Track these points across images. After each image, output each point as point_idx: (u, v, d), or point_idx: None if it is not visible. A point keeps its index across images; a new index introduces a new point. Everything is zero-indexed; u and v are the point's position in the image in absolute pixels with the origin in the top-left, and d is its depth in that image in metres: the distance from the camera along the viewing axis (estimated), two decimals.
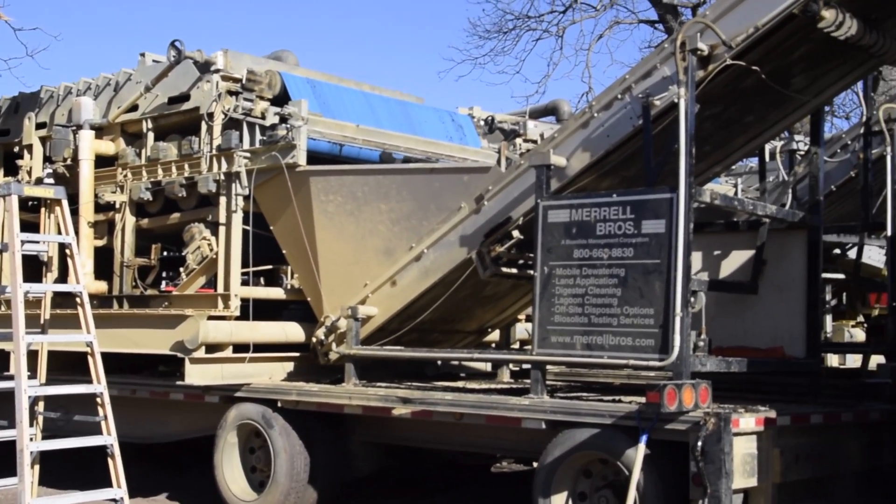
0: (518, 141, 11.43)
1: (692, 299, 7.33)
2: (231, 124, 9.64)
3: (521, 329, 10.85)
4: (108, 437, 8.54)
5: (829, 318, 10.60)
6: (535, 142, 10.81)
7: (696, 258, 8.73)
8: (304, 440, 9.27)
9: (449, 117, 11.28)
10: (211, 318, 9.34)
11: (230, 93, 9.64)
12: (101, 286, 10.42)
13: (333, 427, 9.41)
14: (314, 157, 9.52)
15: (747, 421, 6.88)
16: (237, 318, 9.51)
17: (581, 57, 39.56)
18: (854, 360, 10.05)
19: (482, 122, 12.00)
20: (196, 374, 9.15)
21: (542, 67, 69.02)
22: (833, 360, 10.26)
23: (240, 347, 9.45)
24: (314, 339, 9.55)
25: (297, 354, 9.87)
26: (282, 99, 9.71)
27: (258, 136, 9.62)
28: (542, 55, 76.93)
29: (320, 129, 9.69)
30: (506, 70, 34.82)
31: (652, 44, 23.90)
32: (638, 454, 6.86)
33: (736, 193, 11.21)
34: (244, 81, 9.64)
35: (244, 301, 9.55)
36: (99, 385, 8.66)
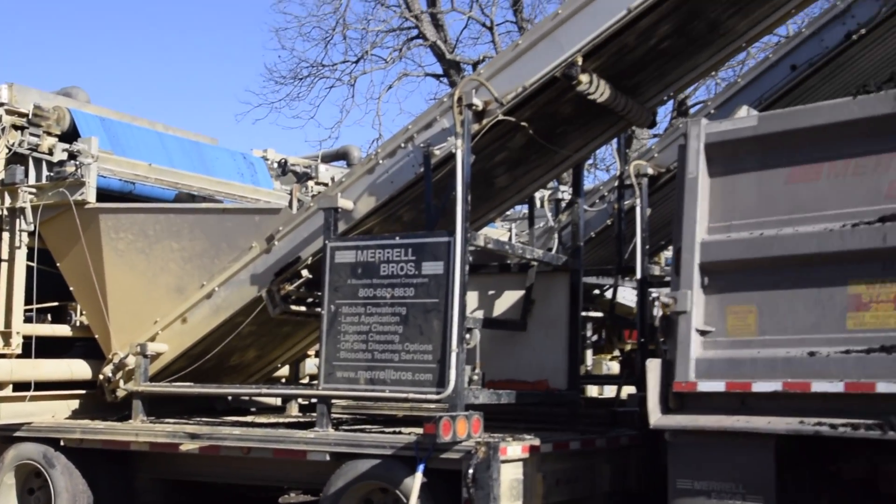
0: (310, 183, 11.48)
1: (467, 336, 7.57)
2: (16, 159, 9.42)
3: (311, 364, 10.86)
4: None
5: (589, 352, 10.98)
6: (326, 185, 10.95)
7: (472, 297, 9.02)
8: (88, 479, 9.11)
9: (242, 158, 11.33)
10: None
11: (15, 127, 9.40)
12: None
13: (119, 464, 9.27)
14: (105, 194, 9.42)
15: (514, 449, 7.09)
16: (19, 356, 9.24)
17: (372, 105, 40.24)
18: (611, 391, 10.39)
19: (276, 165, 12.06)
20: None
21: (335, 114, 69.36)
22: (593, 390, 10.70)
23: (22, 386, 9.16)
24: (101, 377, 9.37)
25: (83, 392, 9.65)
26: (71, 135, 9.57)
27: (45, 172, 9.46)
28: (335, 102, 77.28)
29: (111, 167, 9.60)
30: (300, 115, 35.07)
31: (437, 95, 24.67)
32: (415, 482, 7.03)
33: (510, 238, 11.58)
34: (30, 116, 9.45)
35: (27, 338, 9.30)
36: None
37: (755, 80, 10.13)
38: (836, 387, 6.60)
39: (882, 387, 6.47)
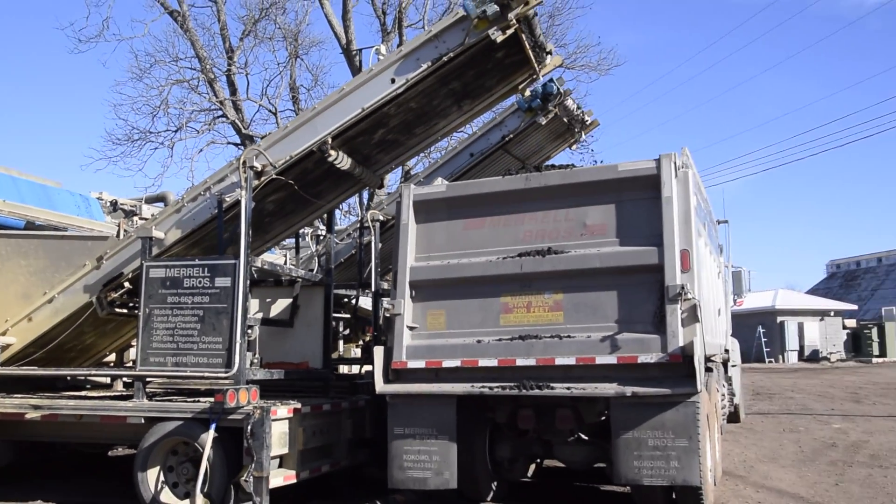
0: (136, 219, 10.85)
1: (249, 331, 7.37)
2: None
3: (133, 352, 10.29)
4: None
5: (341, 342, 10.93)
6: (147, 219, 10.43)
7: (254, 304, 8.76)
8: None
9: (81, 198, 10.49)
10: None
11: None
12: None
13: None
14: None
15: (282, 410, 6.99)
16: None
17: (187, 163, 39.16)
18: (355, 369, 10.38)
19: (108, 203, 11.31)
20: None
21: (157, 168, 65.92)
22: (344, 369, 10.68)
23: None
24: None
25: None
26: None
27: None
28: (158, 160, 73.51)
29: None
30: (131, 167, 33.07)
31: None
32: (208, 437, 6.81)
33: (285, 261, 11.44)
34: None
35: None
36: None
37: (449, 160, 10.38)
38: (493, 362, 6.91)
39: (520, 361, 6.86)
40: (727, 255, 12.43)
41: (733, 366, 12.68)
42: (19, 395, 8.33)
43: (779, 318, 41.51)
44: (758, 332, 41.03)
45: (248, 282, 7.24)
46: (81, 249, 8.20)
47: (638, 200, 6.78)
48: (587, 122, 10.75)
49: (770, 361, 40.32)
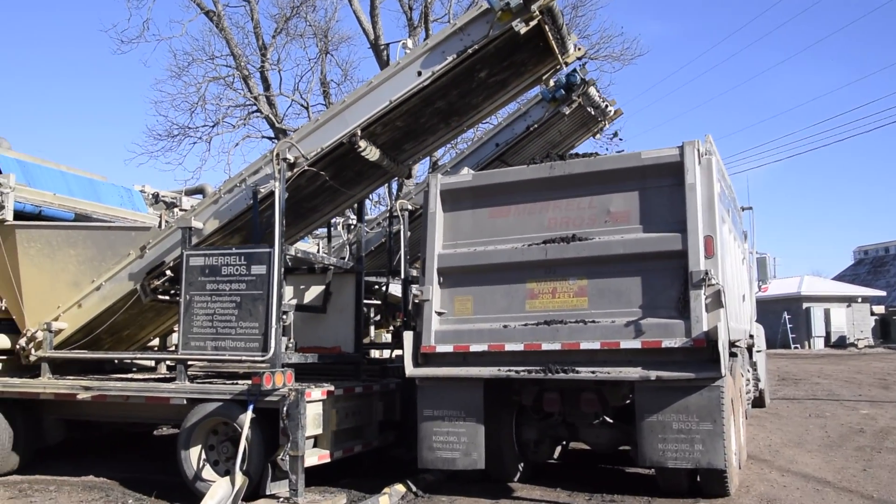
0: (176, 210, 11.05)
1: (284, 317, 7.45)
2: None
3: (175, 337, 10.45)
4: None
5: (372, 327, 11.01)
6: (187, 211, 10.55)
7: (288, 290, 8.83)
8: (9, 420, 8.43)
9: (125, 191, 10.68)
10: None
11: None
12: None
13: (32, 410, 8.54)
14: (20, 215, 8.71)
15: (316, 393, 7.05)
16: None
17: (224, 157, 39.86)
18: (386, 354, 10.39)
19: (150, 196, 11.50)
20: None
21: (196, 162, 66.75)
22: (375, 353, 10.64)
23: None
24: (18, 346, 8.64)
25: (4, 357, 8.90)
26: None
27: None
28: (196, 154, 74.54)
29: (25, 196, 8.88)
30: (171, 161, 33.49)
31: None
32: (246, 418, 6.87)
33: (318, 249, 11.50)
34: None
35: None
36: None
37: (475, 150, 10.33)
38: (519, 346, 6.88)
39: (545, 346, 6.82)
40: (751, 242, 12.23)
41: (758, 351, 12.49)
42: (71, 377, 8.55)
43: (804, 305, 40.80)
44: (783, 319, 40.37)
45: (283, 269, 7.29)
46: (126, 239, 8.34)
47: (661, 188, 6.69)
48: (611, 112, 10.62)
49: (796, 347, 39.66)
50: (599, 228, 6.84)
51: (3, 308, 9.09)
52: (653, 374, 6.30)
